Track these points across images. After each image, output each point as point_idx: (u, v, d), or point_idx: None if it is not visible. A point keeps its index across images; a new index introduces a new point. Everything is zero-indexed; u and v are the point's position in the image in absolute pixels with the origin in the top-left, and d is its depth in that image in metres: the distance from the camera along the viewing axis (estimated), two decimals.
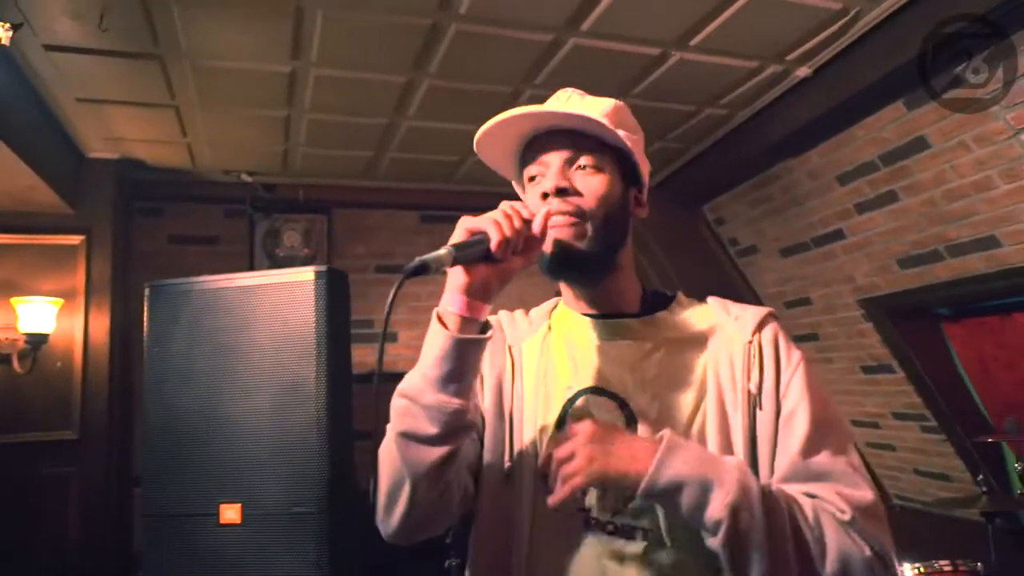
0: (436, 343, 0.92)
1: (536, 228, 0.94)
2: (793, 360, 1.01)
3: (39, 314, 3.13)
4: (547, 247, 0.98)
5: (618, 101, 1.08)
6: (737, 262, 4.09)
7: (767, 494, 0.89)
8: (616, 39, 2.51)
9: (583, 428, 0.90)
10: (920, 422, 3.56)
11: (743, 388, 0.99)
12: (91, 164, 3.44)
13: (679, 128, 3.33)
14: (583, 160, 1.02)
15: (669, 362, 1.02)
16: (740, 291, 4.08)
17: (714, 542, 0.87)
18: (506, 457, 1.03)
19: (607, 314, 1.08)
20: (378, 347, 0.97)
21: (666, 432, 0.90)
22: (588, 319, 1.08)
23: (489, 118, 1.03)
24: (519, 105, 1.07)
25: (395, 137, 3.36)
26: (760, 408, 0.98)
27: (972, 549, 2.79)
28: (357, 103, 2.98)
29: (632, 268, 1.11)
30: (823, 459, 0.95)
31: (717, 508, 0.85)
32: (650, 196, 1.13)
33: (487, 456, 1.04)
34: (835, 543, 0.89)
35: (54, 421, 3.25)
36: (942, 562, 2.55)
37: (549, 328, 1.12)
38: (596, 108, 1.04)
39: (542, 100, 1.11)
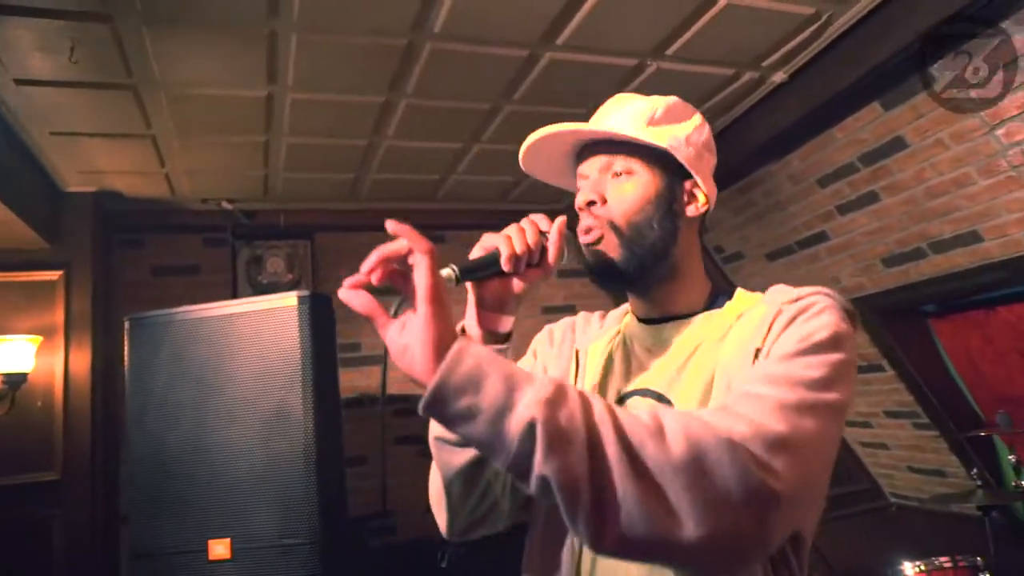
0: None
1: (552, 241, 0.95)
2: (815, 321, 0.90)
3: (17, 353, 3.06)
4: (564, 258, 0.98)
5: (672, 98, 1.08)
6: (724, 269, 4.09)
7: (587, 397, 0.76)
8: (592, 51, 2.51)
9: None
10: (912, 419, 3.57)
11: (750, 349, 0.92)
12: (68, 198, 3.39)
13: None
14: (617, 165, 1.03)
15: (709, 356, 0.98)
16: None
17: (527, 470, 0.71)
18: None
19: (663, 318, 1.06)
20: (381, 371, 0.98)
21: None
22: (645, 325, 1.08)
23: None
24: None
25: (375, 158, 3.34)
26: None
27: (970, 543, 2.78)
28: (335, 125, 2.96)
29: (696, 265, 1.07)
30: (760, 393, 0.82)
31: (528, 405, 0.71)
32: None
33: None
34: (684, 427, 0.74)
35: (35, 462, 3.17)
36: (942, 559, 2.54)
37: (618, 332, 1.12)
38: (638, 109, 1.05)
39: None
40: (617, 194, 1.02)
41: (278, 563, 2.02)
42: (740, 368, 0.91)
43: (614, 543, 0.71)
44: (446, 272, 0.88)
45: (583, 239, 1.03)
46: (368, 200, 3.92)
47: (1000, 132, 2.44)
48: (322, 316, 2.30)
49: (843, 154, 2.98)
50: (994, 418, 2.92)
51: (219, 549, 2.04)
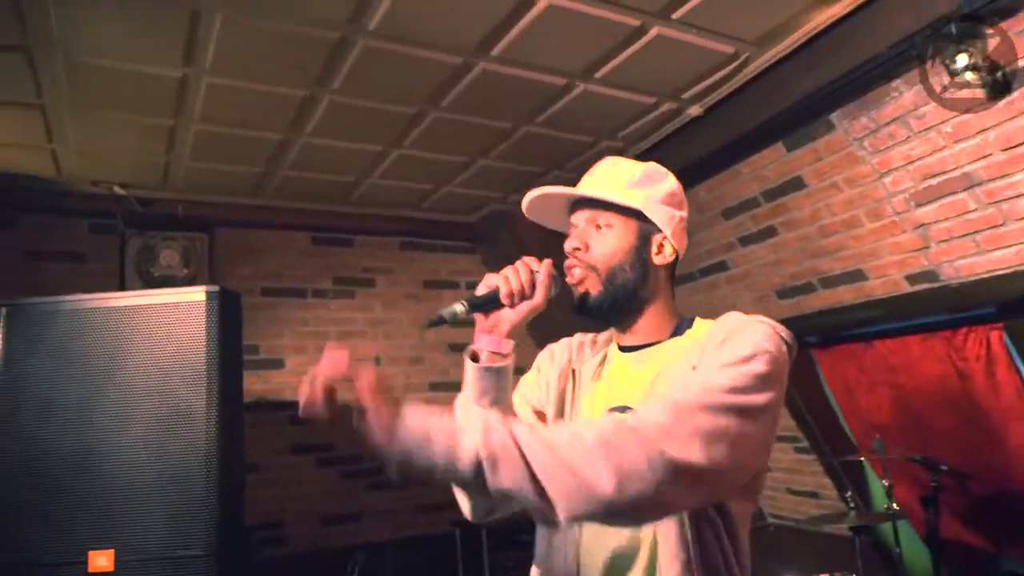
0: (467, 372, 1.22)
1: (539, 280, 1.21)
2: (746, 337, 1.12)
3: None
4: (553, 293, 1.23)
5: (650, 164, 1.30)
6: None
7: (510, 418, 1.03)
8: (525, 67, 2.54)
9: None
10: (794, 444, 3.80)
11: (688, 364, 1.14)
12: None
13: (577, 158, 3.42)
14: (600, 220, 1.26)
15: (664, 374, 1.20)
16: None
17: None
18: None
19: (638, 346, 1.28)
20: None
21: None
22: (622, 352, 1.30)
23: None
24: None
25: (289, 154, 3.21)
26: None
27: (842, 562, 2.99)
28: (251, 116, 2.83)
29: (663, 303, 1.28)
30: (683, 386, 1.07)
31: (470, 445, 0.94)
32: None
33: None
34: (601, 438, 0.97)
35: None
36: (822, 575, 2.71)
37: (605, 355, 1.34)
38: (620, 173, 1.27)
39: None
40: (598, 243, 1.25)
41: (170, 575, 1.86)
42: (675, 377, 1.14)
43: (566, 517, 0.94)
44: (458, 307, 1.14)
45: (568, 278, 1.26)
46: (275, 197, 3.76)
47: (888, 180, 2.68)
48: (231, 313, 2.17)
49: (747, 188, 3.16)
50: (868, 444, 3.15)
51: (100, 560, 1.86)
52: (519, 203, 4.39)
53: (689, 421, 0.99)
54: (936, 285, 2.77)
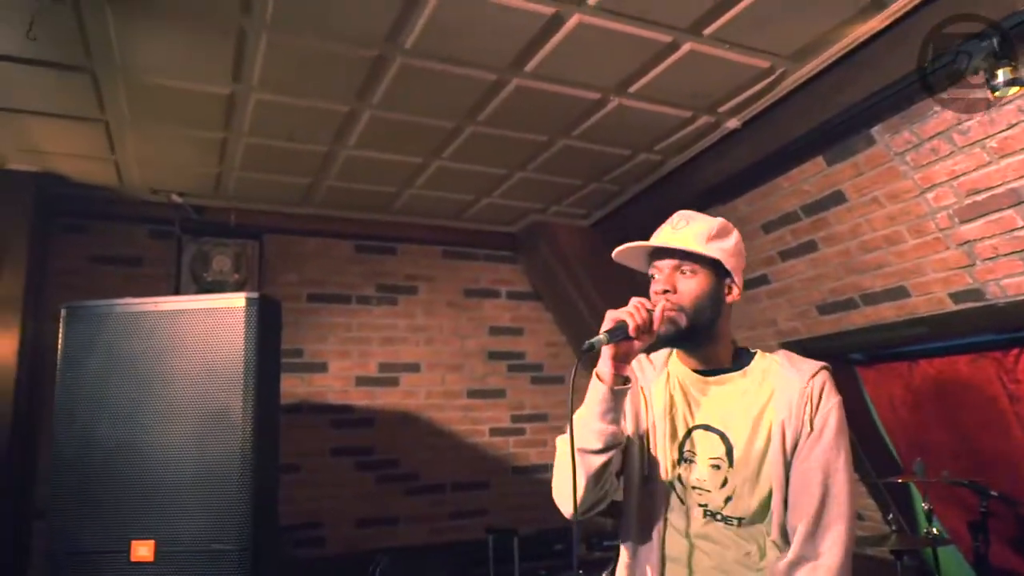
0: (598, 393, 1.42)
1: (656, 318, 1.41)
2: (831, 401, 1.44)
3: None
4: (661, 328, 1.44)
5: (722, 220, 1.53)
6: None
7: None
8: (558, 82, 2.58)
9: None
10: None
11: (797, 418, 1.42)
12: (5, 175, 3.26)
13: (615, 171, 3.44)
14: (685, 267, 1.49)
15: (752, 404, 1.47)
16: None
17: None
18: (643, 466, 1.52)
19: (710, 370, 1.53)
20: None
21: None
22: (697, 375, 1.53)
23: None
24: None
25: (334, 165, 3.33)
26: (806, 431, 1.42)
27: None
28: (297, 129, 2.95)
29: (727, 334, 1.54)
30: (826, 471, 1.40)
31: None
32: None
33: (630, 464, 1.53)
34: None
35: None
36: None
37: (668, 374, 1.57)
38: (700, 229, 1.50)
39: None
40: (685, 287, 1.48)
41: (204, 569, 1.96)
42: (795, 436, 1.42)
43: None
44: (602, 337, 1.35)
45: (666, 309, 1.46)
46: (321, 206, 3.90)
47: (930, 196, 2.61)
48: (269, 320, 2.28)
49: (787, 202, 3.12)
50: (911, 466, 3.06)
51: (142, 551, 1.98)
52: (559, 214, 4.45)
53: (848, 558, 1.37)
54: (981, 304, 2.68)
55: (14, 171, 3.27)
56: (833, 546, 1.36)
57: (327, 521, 3.80)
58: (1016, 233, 2.45)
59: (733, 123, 2.94)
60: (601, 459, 1.41)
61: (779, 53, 2.43)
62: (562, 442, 1.48)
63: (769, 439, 1.43)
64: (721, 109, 2.82)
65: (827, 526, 1.37)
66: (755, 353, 1.55)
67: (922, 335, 2.98)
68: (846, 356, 3.52)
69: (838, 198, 2.92)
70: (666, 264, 1.50)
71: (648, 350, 1.56)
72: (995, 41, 2.06)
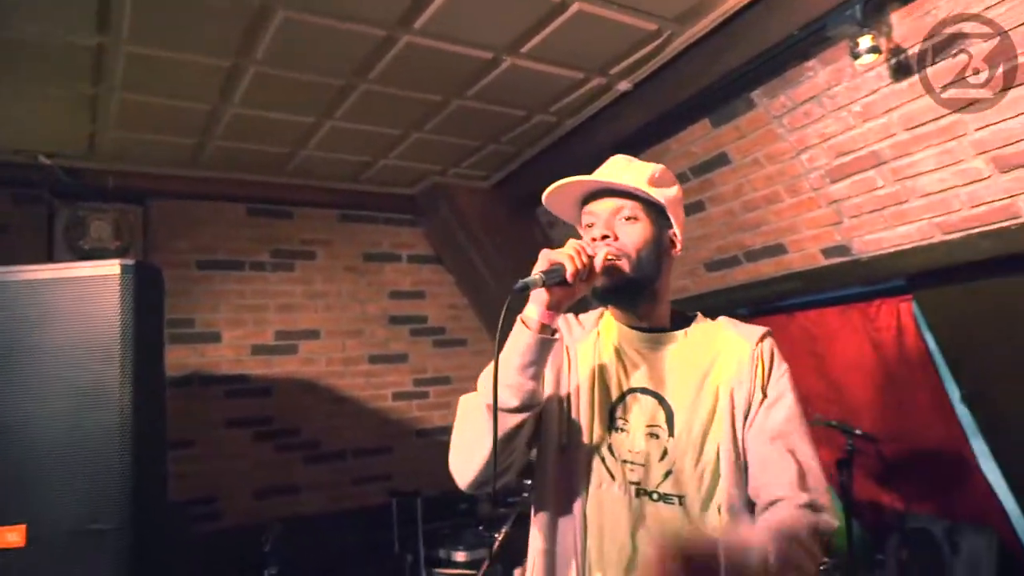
0: (521, 340, 1.22)
1: (597, 264, 1.24)
2: (782, 367, 1.34)
3: None
4: (601, 277, 1.27)
5: (662, 166, 1.37)
6: None
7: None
8: (449, 40, 2.55)
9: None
10: None
11: (750, 382, 1.29)
12: None
13: (512, 132, 3.44)
14: (626, 211, 1.32)
15: (695, 367, 1.32)
16: None
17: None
18: (562, 434, 1.33)
19: (646, 328, 1.37)
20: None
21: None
22: (635, 332, 1.37)
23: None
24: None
25: (219, 125, 3.17)
26: (758, 397, 1.30)
27: None
28: (176, 86, 2.78)
29: (667, 293, 1.39)
30: (794, 442, 1.27)
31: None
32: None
33: (546, 431, 1.34)
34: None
35: None
36: None
37: (598, 334, 1.40)
38: (642, 171, 1.33)
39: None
40: (627, 233, 1.31)
41: (84, 550, 1.87)
42: (747, 402, 1.29)
43: None
44: (536, 277, 1.18)
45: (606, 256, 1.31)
46: (210, 167, 3.71)
47: (804, 157, 2.77)
48: (149, 287, 2.16)
49: (676, 164, 3.22)
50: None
51: (11, 536, 1.86)
52: (459, 175, 4.40)
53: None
54: (849, 259, 2.89)
55: None
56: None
57: (223, 494, 3.71)
58: (876, 193, 2.64)
59: (624, 85, 2.99)
60: (515, 419, 1.21)
61: (665, 16, 2.49)
62: (466, 401, 1.31)
63: (716, 404, 1.28)
64: (612, 71, 2.87)
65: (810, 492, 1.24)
66: (695, 315, 1.41)
67: (797, 289, 3.18)
68: (732, 311, 3.71)
69: (723, 159, 3.05)
70: (604, 208, 1.32)
71: (577, 309, 1.42)
72: (858, 9, 2.19)
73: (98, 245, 3.61)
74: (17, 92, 2.74)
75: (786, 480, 1.24)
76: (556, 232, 4.22)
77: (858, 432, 3.05)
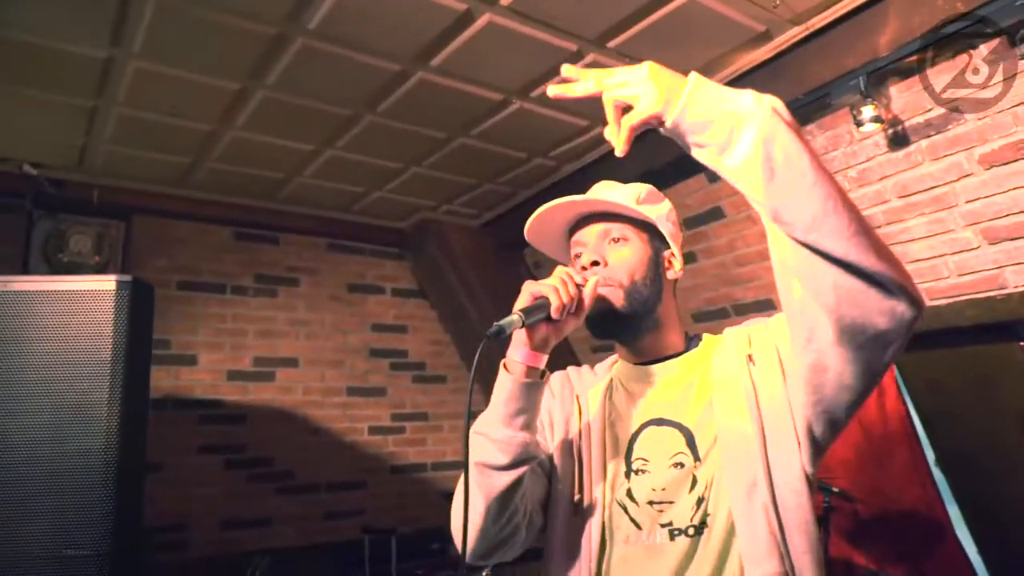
0: (505, 387, 1.08)
1: (587, 295, 1.11)
2: (757, 324, 1.19)
3: None
4: (591, 308, 1.13)
5: (650, 185, 1.27)
6: None
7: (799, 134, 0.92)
8: (463, 79, 2.58)
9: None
10: None
11: (739, 361, 1.14)
12: None
13: (509, 173, 3.47)
14: (615, 232, 1.20)
15: (696, 379, 1.18)
16: None
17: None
18: (575, 490, 1.16)
19: (654, 361, 1.23)
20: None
21: (692, 75, 0.96)
22: (640, 367, 1.24)
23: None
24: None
25: (217, 146, 3.14)
26: (753, 363, 1.13)
27: None
28: (180, 104, 2.75)
29: (675, 321, 1.25)
30: None
31: (746, 145, 0.90)
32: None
33: (557, 489, 1.19)
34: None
35: None
36: None
37: (611, 380, 1.27)
38: (627, 192, 1.24)
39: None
40: (617, 256, 1.19)
41: None
42: (739, 373, 1.13)
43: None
44: (515, 317, 1.03)
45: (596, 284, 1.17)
46: (199, 188, 3.65)
47: None
48: (142, 306, 2.10)
49: None
50: None
51: None
52: (450, 212, 4.40)
53: None
54: None
55: None
56: None
57: (192, 523, 3.56)
58: None
59: None
60: (507, 478, 1.06)
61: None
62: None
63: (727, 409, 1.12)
64: None
65: None
66: (704, 336, 1.28)
67: None
68: None
69: (717, 213, 3.11)
70: (590, 234, 1.21)
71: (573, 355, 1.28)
72: (862, 80, 2.28)
73: (76, 259, 3.50)
74: (15, 97, 2.68)
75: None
76: (542, 273, 4.24)
77: (835, 490, 3.08)
